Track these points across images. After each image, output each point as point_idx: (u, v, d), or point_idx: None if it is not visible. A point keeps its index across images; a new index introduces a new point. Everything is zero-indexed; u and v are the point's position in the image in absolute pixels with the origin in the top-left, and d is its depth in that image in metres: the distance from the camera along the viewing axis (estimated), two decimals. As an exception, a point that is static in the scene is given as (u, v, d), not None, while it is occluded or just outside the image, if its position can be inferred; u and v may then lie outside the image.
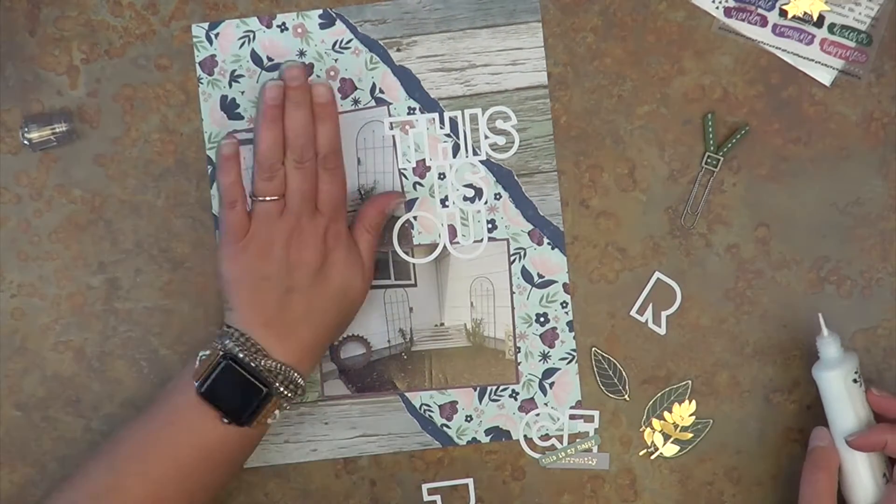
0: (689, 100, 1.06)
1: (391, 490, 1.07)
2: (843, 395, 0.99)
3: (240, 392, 0.96)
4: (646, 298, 1.05)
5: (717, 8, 1.05)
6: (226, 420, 0.96)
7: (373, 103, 1.06)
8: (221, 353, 0.97)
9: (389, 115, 1.06)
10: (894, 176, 1.05)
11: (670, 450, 1.06)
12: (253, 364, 0.96)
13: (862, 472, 0.98)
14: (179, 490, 0.96)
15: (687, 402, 1.06)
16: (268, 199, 0.99)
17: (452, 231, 1.06)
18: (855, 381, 0.99)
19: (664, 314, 1.06)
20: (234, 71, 1.06)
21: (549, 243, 1.06)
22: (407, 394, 1.07)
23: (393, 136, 1.06)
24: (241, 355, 0.96)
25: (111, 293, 1.06)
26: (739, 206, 1.06)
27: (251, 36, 1.06)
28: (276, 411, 0.98)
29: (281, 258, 0.98)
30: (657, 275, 1.05)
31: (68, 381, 1.06)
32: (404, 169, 1.06)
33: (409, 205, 1.06)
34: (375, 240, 1.03)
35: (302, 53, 1.06)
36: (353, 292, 1.01)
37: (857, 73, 1.05)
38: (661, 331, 1.06)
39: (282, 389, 0.97)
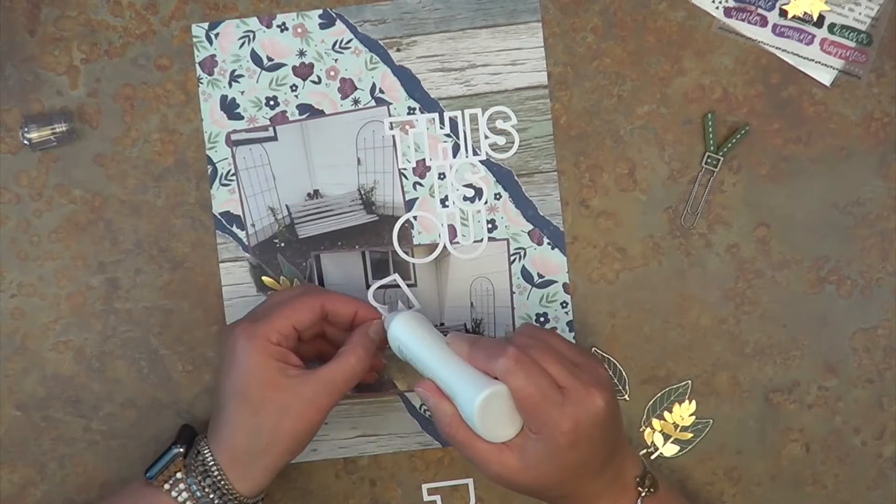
0: (689, 100, 1.06)
1: (391, 490, 1.07)
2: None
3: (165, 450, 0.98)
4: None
5: (717, 8, 1.05)
6: (145, 476, 0.97)
7: (373, 103, 1.06)
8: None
9: (389, 115, 1.06)
10: (894, 176, 1.05)
11: (670, 450, 1.06)
12: (195, 433, 0.99)
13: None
14: None
15: (687, 402, 1.06)
16: None
17: (452, 231, 1.06)
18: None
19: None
20: (234, 71, 1.06)
21: (549, 243, 1.06)
22: (407, 394, 1.07)
23: (393, 136, 1.06)
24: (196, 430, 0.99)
25: (111, 293, 1.06)
26: (739, 206, 1.06)
27: (251, 36, 1.06)
28: (182, 487, 0.95)
29: None
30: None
31: (68, 381, 1.06)
32: (404, 169, 1.06)
33: (410, 205, 1.06)
34: (354, 365, 0.96)
35: (302, 53, 1.06)
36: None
37: (857, 73, 1.05)
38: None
39: (192, 462, 0.96)
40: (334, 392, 0.95)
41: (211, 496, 0.95)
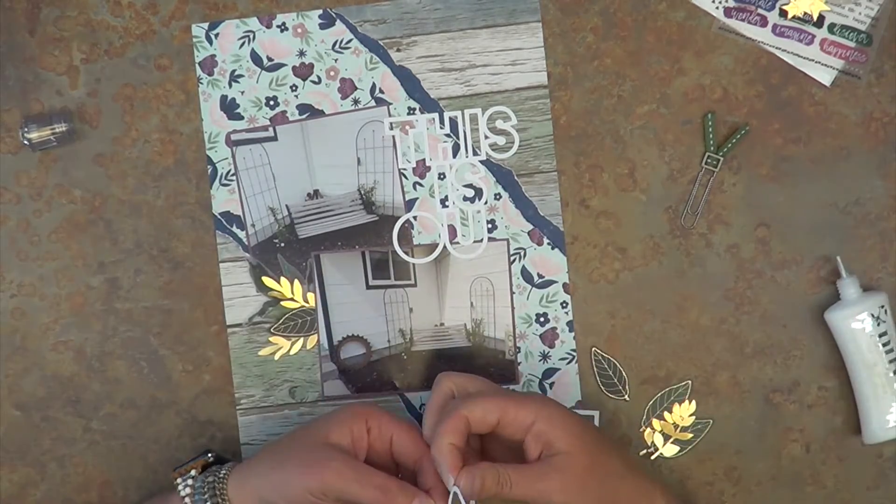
0: (689, 100, 1.06)
1: (391, 490, 1.07)
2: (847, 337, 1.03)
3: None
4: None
5: (717, 8, 1.05)
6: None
7: (373, 103, 1.06)
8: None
9: (389, 116, 1.06)
10: (894, 176, 1.05)
11: (670, 450, 1.06)
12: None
13: None
14: None
15: (687, 402, 1.06)
16: None
17: (452, 231, 1.06)
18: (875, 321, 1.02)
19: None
20: (234, 71, 1.06)
21: (549, 243, 1.06)
22: (407, 394, 1.07)
23: (393, 137, 1.06)
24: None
25: (111, 293, 1.06)
26: (739, 206, 1.06)
27: (251, 36, 1.06)
28: (189, 481, 0.97)
29: None
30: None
31: (68, 381, 1.06)
32: (404, 169, 1.06)
33: (410, 205, 1.06)
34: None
35: (302, 53, 1.06)
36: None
37: (857, 73, 1.05)
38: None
39: (212, 473, 0.97)
40: (347, 494, 0.93)
41: (206, 497, 0.95)
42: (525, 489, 0.92)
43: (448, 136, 1.06)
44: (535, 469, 0.93)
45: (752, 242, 1.06)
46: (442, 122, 1.06)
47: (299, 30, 1.06)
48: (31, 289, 1.06)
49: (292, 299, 1.06)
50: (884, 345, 1.02)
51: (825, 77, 1.05)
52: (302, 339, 1.07)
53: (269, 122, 1.06)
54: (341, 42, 1.06)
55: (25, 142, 1.04)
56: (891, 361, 1.02)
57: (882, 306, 1.02)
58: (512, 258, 1.06)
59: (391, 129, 1.06)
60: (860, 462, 1.06)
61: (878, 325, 1.01)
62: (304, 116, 1.06)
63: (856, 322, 1.02)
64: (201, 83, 1.06)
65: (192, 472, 0.98)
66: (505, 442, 0.96)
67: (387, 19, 1.06)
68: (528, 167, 1.06)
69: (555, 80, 1.06)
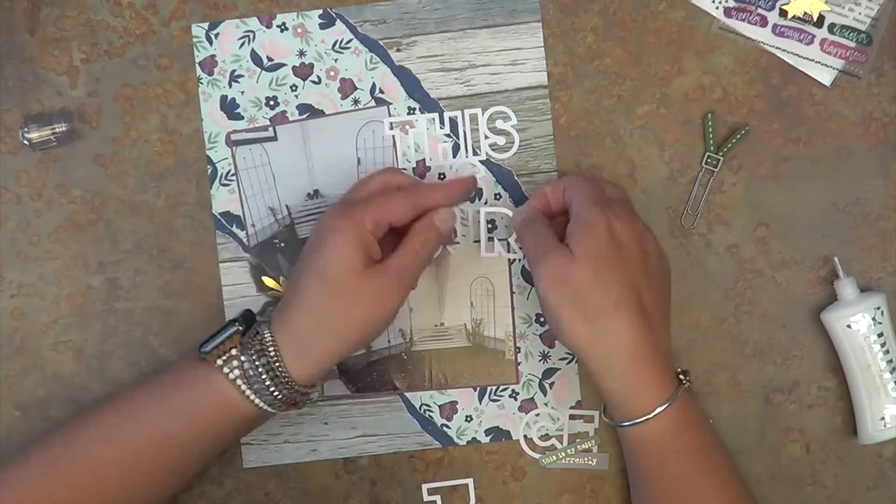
0: (689, 100, 1.06)
1: (391, 490, 1.07)
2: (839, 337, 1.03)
3: (223, 327, 0.97)
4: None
5: (717, 8, 1.05)
6: (198, 352, 0.96)
7: (373, 103, 1.06)
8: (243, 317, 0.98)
9: (389, 115, 1.06)
10: (894, 176, 1.05)
11: (670, 450, 1.06)
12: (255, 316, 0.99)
13: None
14: (139, 429, 0.96)
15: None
16: None
17: (452, 231, 1.06)
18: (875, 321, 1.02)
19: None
20: (234, 71, 1.06)
21: (549, 243, 1.06)
22: (407, 394, 1.07)
23: (393, 136, 1.06)
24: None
25: (111, 293, 1.06)
26: (739, 206, 1.06)
27: (251, 36, 1.06)
28: (235, 364, 0.94)
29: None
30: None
31: (68, 381, 1.06)
32: (404, 169, 1.06)
33: (409, 205, 1.06)
34: (420, 251, 0.98)
35: (302, 53, 1.06)
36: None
37: (857, 73, 1.05)
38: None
39: (249, 340, 0.95)
40: (405, 281, 0.96)
41: (263, 376, 0.94)
42: (533, 252, 0.97)
43: (448, 136, 1.06)
44: (546, 246, 0.96)
45: (752, 242, 1.06)
46: (442, 121, 1.06)
47: (299, 30, 1.06)
48: (31, 289, 1.06)
49: (292, 299, 1.06)
50: (880, 346, 1.02)
51: (825, 77, 1.05)
52: (302, 339, 1.07)
53: (269, 122, 1.06)
54: (341, 42, 1.06)
55: (25, 142, 1.04)
56: (886, 363, 1.02)
57: (879, 308, 1.02)
58: (512, 258, 1.06)
59: (391, 128, 1.06)
60: (860, 462, 1.07)
61: (874, 326, 1.01)
62: (304, 116, 1.06)
63: (851, 323, 1.02)
64: (201, 83, 1.06)
65: (234, 352, 0.95)
66: None
67: (387, 19, 1.06)
68: (528, 167, 1.06)
69: (555, 80, 1.06)
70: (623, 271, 0.93)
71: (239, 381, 0.94)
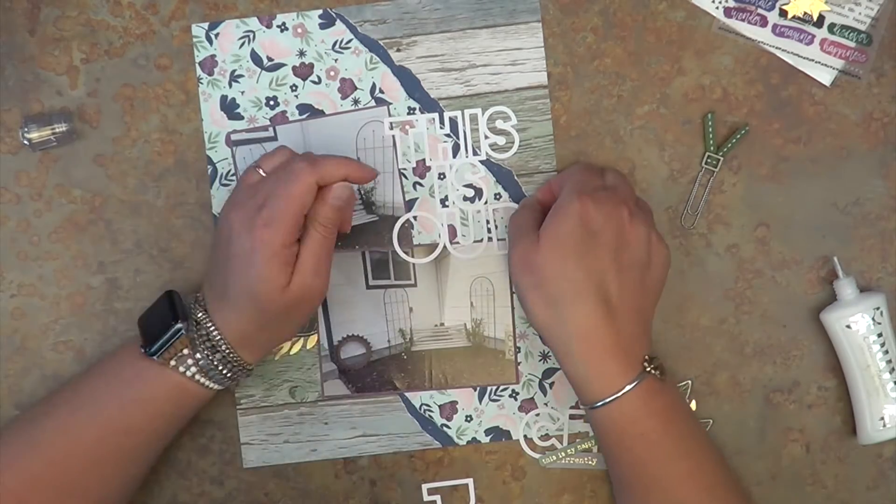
0: (689, 100, 1.06)
1: (391, 490, 1.07)
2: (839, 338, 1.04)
3: (160, 324, 0.97)
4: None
5: (717, 8, 1.05)
6: (142, 349, 0.97)
7: (373, 103, 1.06)
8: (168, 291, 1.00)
9: (389, 115, 1.06)
10: (894, 176, 1.05)
11: (670, 450, 1.06)
12: (185, 304, 0.99)
13: None
14: (96, 421, 0.97)
15: (687, 401, 1.06)
16: (260, 171, 0.98)
17: (452, 231, 1.06)
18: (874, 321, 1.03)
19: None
20: (234, 71, 1.06)
21: (549, 243, 1.06)
22: (407, 394, 1.07)
23: (393, 136, 1.06)
24: (185, 298, 1.00)
25: (111, 293, 1.06)
26: (739, 206, 1.06)
27: (251, 36, 1.06)
28: (190, 362, 0.96)
29: (227, 229, 0.97)
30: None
31: (68, 382, 1.06)
32: (404, 169, 1.06)
33: (410, 205, 1.06)
34: (326, 236, 0.97)
35: (302, 53, 1.06)
36: (267, 299, 0.96)
37: (857, 73, 1.05)
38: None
39: (196, 337, 0.96)
40: (321, 269, 0.97)
41: (220, 368, 0.97)
42: (511, 236, 1.01)
43: (448, 135, 1.06)
44: (522, 231, 0.99)
45: (752, 242, 1.06)
46: (442, 121, 1.06)
47: (299, 30, 1.06)
48: (31, 289, 1.06)
49: (292, 299, 1.06)
50: (879, 346, 1.02)
51: (825, 77, 1.05)
52: (302, 339, 1.07)
53: (269, 122, 1.06)
54: (341, 42, 1.06)
55: (25, 142, 1.04)
56: (886, 363, 1.02)
57: (878, 308, 1.02)
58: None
59: (391, 128, 1.06)
60: (860, 462, 1.07)
61: (873, 326, 1.01)
62: (304, 116, 1.06)
63: (850, 323, 1.02)
64: (201, 83, 1.06)
65: (185, 351, 0.97)
66: None
67: (387, 19, 1.06)
68: (528, 167, 1.06)
69: (555, 80, 1.06)
70: (588, 258, 0.95)
71: (197, 376, 0.98)
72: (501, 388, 1.07)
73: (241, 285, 0.95)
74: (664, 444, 0.96)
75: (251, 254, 0.94)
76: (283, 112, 1.06)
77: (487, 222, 1.06)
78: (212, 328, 0.97)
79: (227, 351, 0.97)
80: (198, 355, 0.97)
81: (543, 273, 0.95)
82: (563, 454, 1.07)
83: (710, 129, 1.05)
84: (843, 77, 1.05)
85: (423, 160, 1.06)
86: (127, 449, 0.98)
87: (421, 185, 1.06)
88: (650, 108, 1.06)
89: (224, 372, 0.98)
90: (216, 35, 1.06)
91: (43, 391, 1.05)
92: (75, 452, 0.96)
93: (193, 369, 0.97)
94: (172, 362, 0.97)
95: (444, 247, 1.06)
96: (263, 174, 0.98)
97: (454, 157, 1.06)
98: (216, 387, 0.99)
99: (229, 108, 1.06)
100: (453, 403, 1.07)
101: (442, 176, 1.06)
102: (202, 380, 0.98)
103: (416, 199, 1.06)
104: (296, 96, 1.06)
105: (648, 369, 0.96)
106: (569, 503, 1.07)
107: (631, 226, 0.96)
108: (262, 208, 0.94)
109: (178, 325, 0.96)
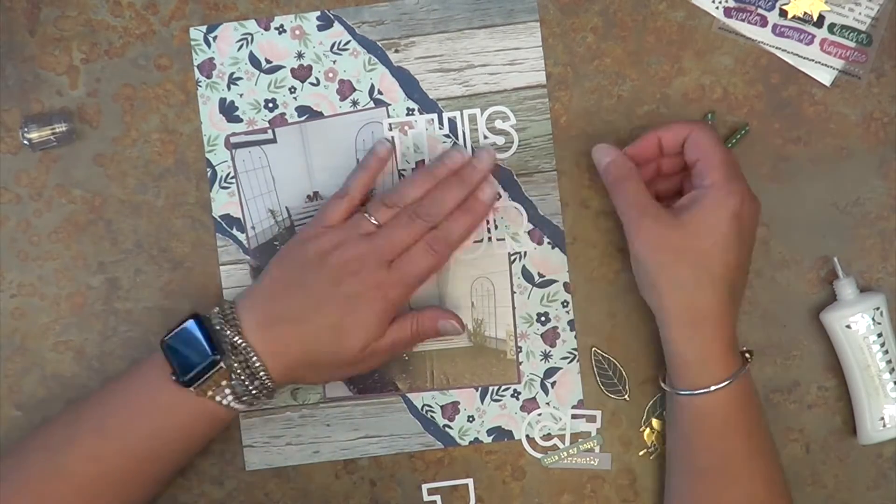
0: (689, 100, 1.06)
1: (391, 490, 1.07)
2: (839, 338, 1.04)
3: (195, 353, 0.96)
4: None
5: (717, 8, 1.05)
6: (173, 377, 0.96)
7: (372, 104, 1.06)
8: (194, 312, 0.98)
9: (388, 117, 1.06)
10: (894, 176, 1.05)
11: (670, 450, 1.06)
12: (218, 328, 0.97)
13: None
14: (126, 449, 0.97)
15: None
16: (372, 220, 0.99)
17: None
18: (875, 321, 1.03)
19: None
20: (233, 73, 1.06)
21: (549, 243, 1.06)
22: (409, 395, 1.07)
23: (392, 137, 1.06)
24: (213, 320, 0.97)
25: (111, 293, 1.06)
26: (739, 206, 1.06)
27: (249, 38, 1.06)
28: (227, 391, 0.96)
29: (328, 266, 0.98)
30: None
31: (68, 381, 1.06)
32: (404, 170, 1.06)
33: (409, 205, 1.06)
34: (407, 339, 1.02)
35: (300, 55, 1.06)
36: (347, 346, 0.98)
37: (857, 73, 1.05)
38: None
39: (235, 366, 0.96)
40: (396, 354, 1.03)
41: (253, 392, 0.98)
42: (627, 212, 0.98)
43: (447, 136, 1.06)
44: (644, 207, 0.97)
45: (752, 242, 1.06)
46: (441, 122, 1.06)
47: (297, 32, 1.06)
48: (31, 289, 1.06)
49: (292, 300, 1.06)
50: (879, 346, 1.01)
51: (825, 77, 1.05)
52: (302, 340, 1.07)
53: (268, 125, 1.06)
54: (339, 44, 1.06)
55: (25, 142, 1.04)
56: (886, 363, 1.02)
57: (878, 308, 1.02)
58: (512, 258, 1.06)
59: (390, 129, 1.06)
60: (860, 462, 1.06)
61: (873, 326, 1.01)
62: (303, 118, 1.06)
63: (850, 323, 1.02)
64: (200, 86, 1.06)
65: (223, 382, 0.96)
66: None
67: (385, 20, 1.05)
68: (527, 167, 1.06)
69: (555, 79, 1.06)
70: (732, 251, 0.95)
71: (233, 404, 0.97)
72: (503, 388, 1.07)
73: (330, 324, 0.97)
74: (757, 438, 0.98)
75: (363, 299, 0.97)
76: (282, 114, 1.06)
77: (487, 222, 1.06)
78: (252, 357, 0.96)
79: (266, 379, 0.97)
80: (234, 382, 0.97)
81: (684, 257, 0.95)
82: (566, 454, 1.07)
83: (710, 130, 1.04)
84: (843, 77, 1.05)
85: (423, 161, 1.06)
86: (154, 472, 0.99)
87: (420, 185, 1.06)
88: (650, 108, 1.06)
89: (255, 394, 0.98)
90: (214, 38, 1.06)
91: (43, 391, 1.06)
92: (104, 480, 0.96)
93: (230, 398, 0.97)
94: (210, 393, 0.96)
95: (444, 247, 1.06)
96: (376, 223, 0.99)
97: (454, 157, 1.06)
98: (243, 408, 0.99)
99: (228, 110, 1.06)
100: (455, 404, 1.07)
101: (441, 176, 1.06)
102: (236, 405, 0.97)
103: (416, 199, 1.06)
104: (294, 98, 1.06)
105: (749, 360, 0.98)
106: (569, 503, 1.07)
107: (759, 215, 0.98)
108: (392, 266, 0.98)
109: (218, 359, 0.96)
